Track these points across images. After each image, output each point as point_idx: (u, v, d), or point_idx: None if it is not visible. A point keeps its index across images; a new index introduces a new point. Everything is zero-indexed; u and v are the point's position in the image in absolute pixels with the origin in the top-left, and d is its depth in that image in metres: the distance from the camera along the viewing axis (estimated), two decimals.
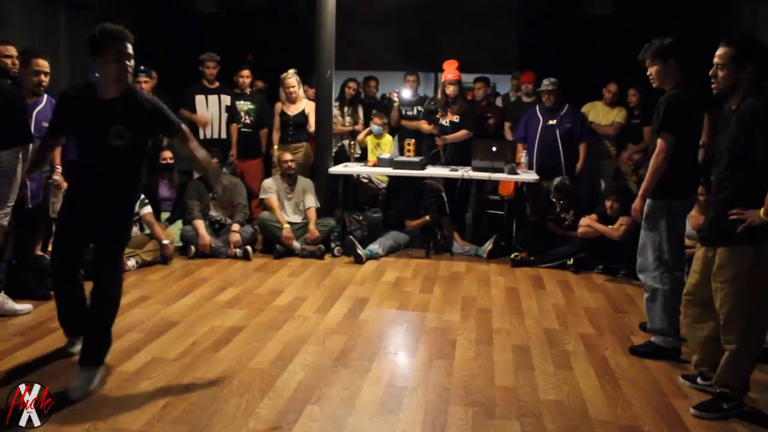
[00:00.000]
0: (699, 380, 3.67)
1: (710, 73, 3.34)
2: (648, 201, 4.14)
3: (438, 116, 7.14)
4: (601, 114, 7.28)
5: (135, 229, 6.07)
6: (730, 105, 3.35)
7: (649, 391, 3.64)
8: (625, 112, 7.24)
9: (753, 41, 3.30)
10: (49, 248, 5.38)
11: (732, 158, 3.26)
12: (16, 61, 4.78)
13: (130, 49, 3.45)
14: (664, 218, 4.08)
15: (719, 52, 3.29)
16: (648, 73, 4.16)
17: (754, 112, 3.15)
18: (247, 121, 7.33)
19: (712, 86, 3.36)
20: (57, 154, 5.11)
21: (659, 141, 4.02)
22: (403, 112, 7.60)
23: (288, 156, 6.73)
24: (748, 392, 3.44)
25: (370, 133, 7.59)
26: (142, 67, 6.90)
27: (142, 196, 6.09)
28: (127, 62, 3.43)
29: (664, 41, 4.06)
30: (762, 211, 3.14)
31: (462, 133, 7.05)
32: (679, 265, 4.17)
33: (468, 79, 8.08)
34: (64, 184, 5.04)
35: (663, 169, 4.00)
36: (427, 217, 6.81)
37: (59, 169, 5.11)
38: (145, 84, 6.83)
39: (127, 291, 5.17)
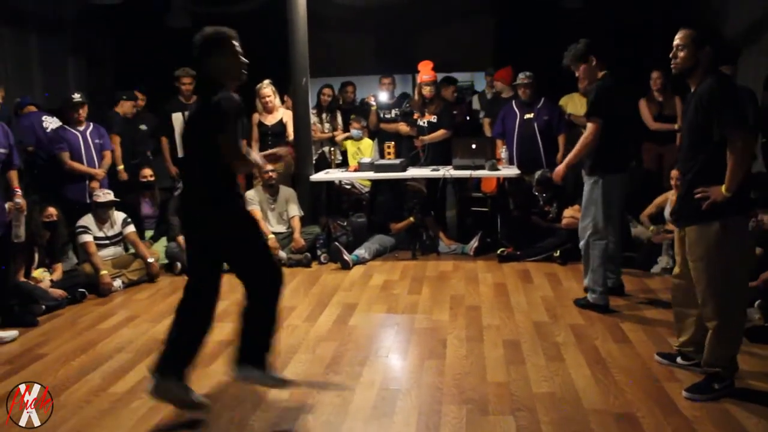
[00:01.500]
0: (679, 359, 3.76)
1: (670, 55, 3.45)
2: (586, 178, 4.81)
3: (415, 117, 7.16)
4: (578, 105, 7.30)
5: (119, 249, 6.05)
6: (690, 87, 3.45)
7: (640, 377, 3.65)
8: None
9: (710, 24, 3.49)
10: (32, 273, 5.35)
11: (693, 139, 3.38)
12: None
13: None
14: (599, 191, 4.67)
15: (679, 35, 3.41)
16: (576, 75, 4.77)
17: (710, 93, 3.25)
18: None
19: (672, 66, 3.46)
20: (14, 177, 4.94)
21: (588, 125, 4.64)
22: (381, 115, 7.60)
23: (268, 166, 6.70)
24: (738, 370, 3.47)
25: (349, 137, 7.59)
26: (124, 96, 6.95)
27: (125, 215, 6.08)
28: (243, 58, 3.36)
29: (579, 45, 4.68)
30: (723, 187, 3.24)
31: (440, 133, 7.06)
32: (607, 234, 4.77)
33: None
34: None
35: (589, 149, 4.63)
36: (412, 219, 6.81)
37: (19, 192, 4.96)
38: (129, 107, 6.88)
39: (115, 311, 5.18)
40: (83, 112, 6.24)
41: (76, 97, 6.22)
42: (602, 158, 4.65)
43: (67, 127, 6.23)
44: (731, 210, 3.28)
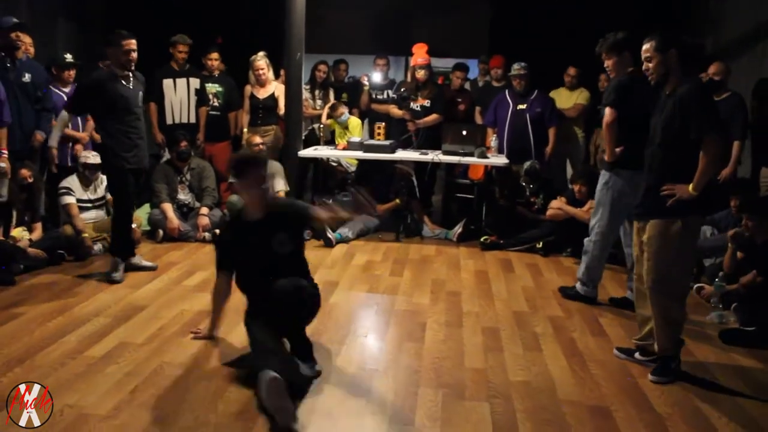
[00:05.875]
0: (637, 355, 3.83)
1: (643, 68, 3.59)
2: (603, 173, 4.61)
3: (410, 101, 7.13)
4: (564, 99, 7.30)
5: (101, 213, 5.99)
6: (666, 90, 3.55)
7: (616, 372, 3.69)
8: (587, 93, 7.26)
9: (669, 30, 3.57)
10: (11, 233, 5.30)
11: (665, 138, 3.49)
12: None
13: None
14: (610, 190, 4.53)
15: (644, 47, 3.54)
16: (605, 65, 4.52)
17: (690, 96, 3.38)
18: (216, 103, 7.24)
19: (650, 78, 3.57)
20: (2, 136, 5.04)
21: (607, 110, 4.42)
22: (373, 96, 7.57)
23: (257, 139, 6.67)
24: (684, 344, 3.68)
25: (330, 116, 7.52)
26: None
27: None
28: None
29: (618, 36, 4.42)
30: (691, 186, 3.38)
31: (433, 117, 7.04)
32: (611, 239, 4.73)
33: (437, 63, 8.06)
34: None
35: (613, 136, 4.42)
36: (398, 201, 6.81)
37: (5, 153, 5.05)
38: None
39: (94, 275, 5.12)
40: (72, 74, 6.16)
41: (68, 57, 6.14)
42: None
43: (52, 87, 6.13)
44: (693, 209, 3.44)
